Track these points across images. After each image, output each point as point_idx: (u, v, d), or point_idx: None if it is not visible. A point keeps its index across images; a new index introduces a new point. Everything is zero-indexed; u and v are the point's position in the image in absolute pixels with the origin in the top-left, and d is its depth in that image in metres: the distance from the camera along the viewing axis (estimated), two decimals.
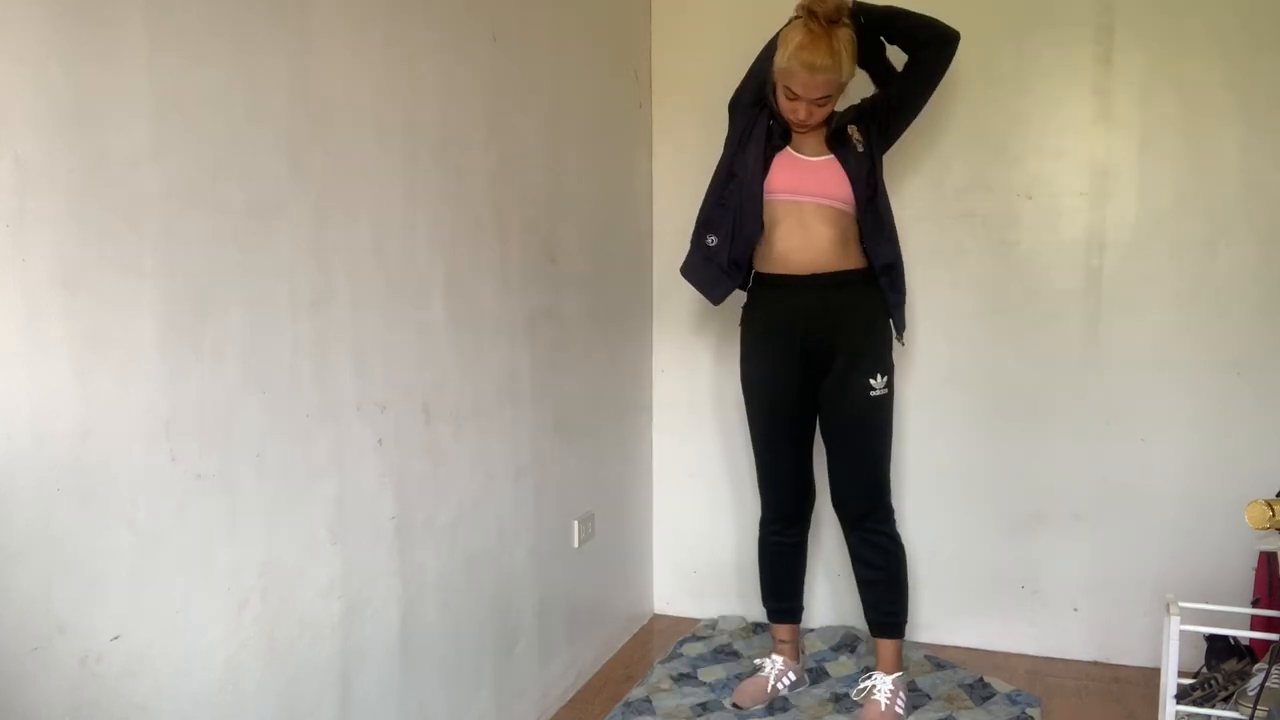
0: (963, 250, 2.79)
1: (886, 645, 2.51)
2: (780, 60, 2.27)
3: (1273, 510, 1.76)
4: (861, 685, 2.52)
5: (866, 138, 2.36)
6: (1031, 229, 2.75)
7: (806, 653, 2.79)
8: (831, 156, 2.35)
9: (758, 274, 2.47)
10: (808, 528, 2.63)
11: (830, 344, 2.39)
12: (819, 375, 2.43)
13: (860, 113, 2.40)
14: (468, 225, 2.08)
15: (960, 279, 2.80)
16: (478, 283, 2.12)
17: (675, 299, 3.05)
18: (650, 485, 3.16)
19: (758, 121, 2.38)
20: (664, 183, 3.05)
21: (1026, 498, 2.82)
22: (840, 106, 2.38)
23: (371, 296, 1.79)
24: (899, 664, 2.51)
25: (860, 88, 2.44)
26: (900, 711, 2.44)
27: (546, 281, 2.41)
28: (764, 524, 2.63)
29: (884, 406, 2.41)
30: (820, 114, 2.31)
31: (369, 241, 1.78)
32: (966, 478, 2.86)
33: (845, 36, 2.25)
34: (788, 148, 2.39)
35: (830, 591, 2.98)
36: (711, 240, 2.41)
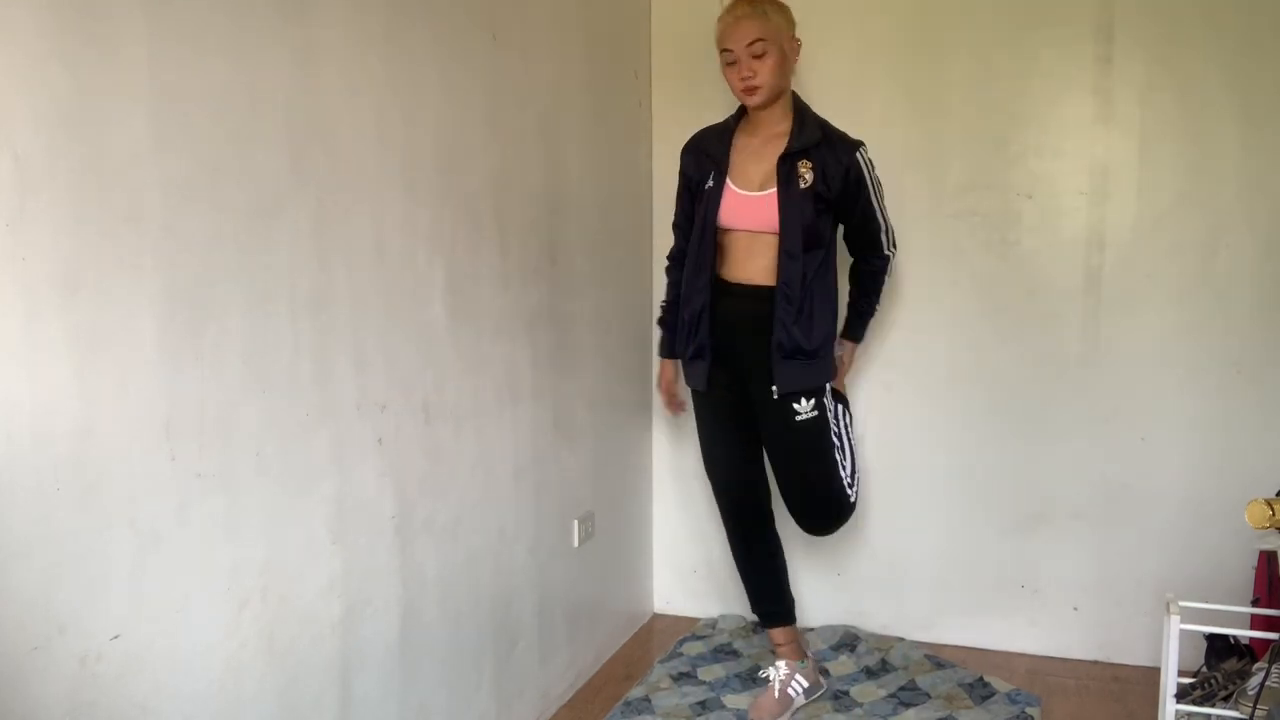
0: (962, 250, 2.79)
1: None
2: (716, 36, 2.32)
3: (1272, 509, 1.76)
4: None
5: (821, 179, 2.29)
6: (1031, 228, 2.75)
7: (814, 653, 2.75)
8: (773, 192, 2.31)
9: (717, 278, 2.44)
10: (767, 506, 2.56)
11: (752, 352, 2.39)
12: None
13: (826, 157, 2.30)
14: (468, 225, 2.08)
15: (960, 278, 2.80)
16: (478, 283, 2.12)
17: None
18: (650, 485, 3.16)
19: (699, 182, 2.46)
20: (664, 182, 3.05)
21: (1026, 497, 2.82)
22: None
23: (371, 296, 1.79)
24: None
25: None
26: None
27: (546, 281, 2.41)
28: (725, 521, 2.58)
29: (816, 429, 2.38)
30: (764, 71, 2.25)
31: (369, 241, 1.78)
32: (966, 478, 2.86)
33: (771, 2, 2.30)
34: (728, 181, 2.37)
35: (830, 591, 2.98)
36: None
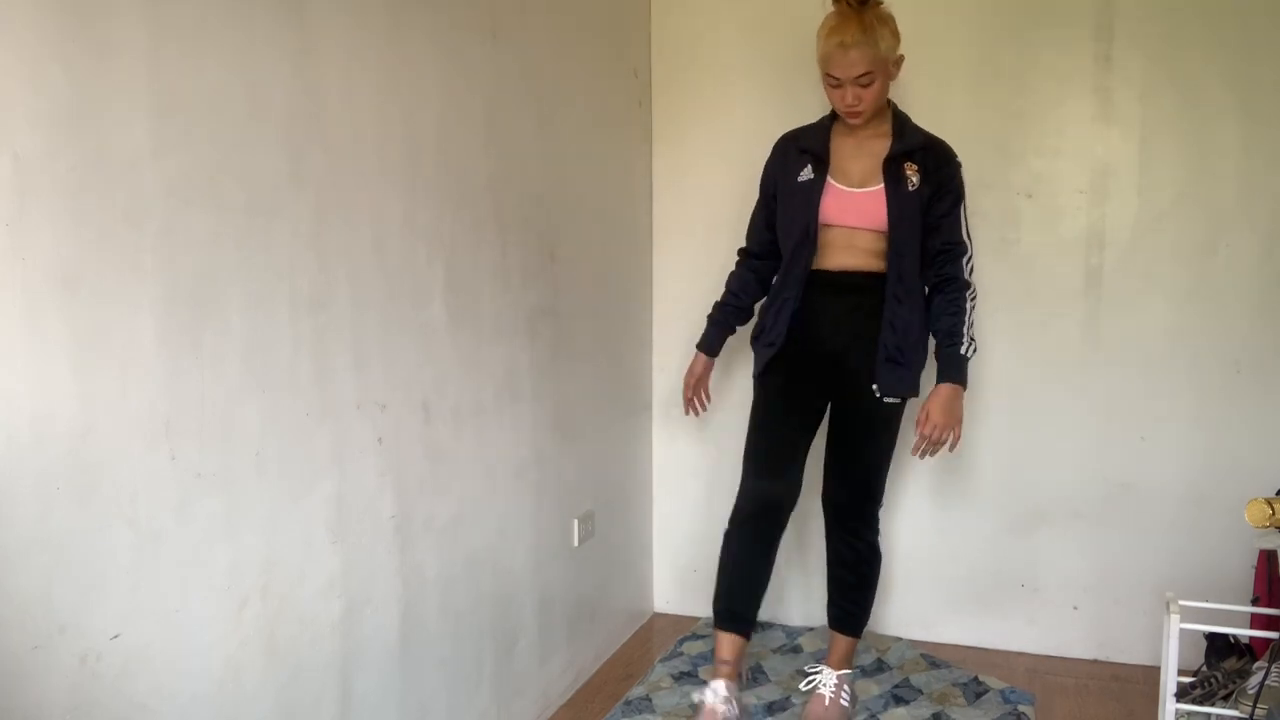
0: None
1: (841, 641, 2.47)
2: (818, 50, 2.24)
3: (1272, 508, 1.77)
4: (809, 677, 2.49)
5: (925, 182, 2.26)
6: (1031, 227, 2.75)
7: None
8: (878, 190, 2.27)
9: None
10: (784, 525, 2.44)
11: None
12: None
13: (927, 161, 2.28)
14: (468, 225, 2.08)
15: None
16: (478, 282, 2.12)
17: (675, 299, 3.04)
18: (650, 484, 3.16)
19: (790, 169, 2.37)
20: (664, 182, 3.05)
21: (1026, 496, 2.82)
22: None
23: (371, 296, 1.79)
24: (849, 662, 2.48)
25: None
26: (845, 704, 2.43)
27: (546, 281, 2.41)
28: (737, 513, 2.45)
29: (892, 416, 2.36)
30: (869, 97, 2.21)
31: (369, 241, 1.78)
32: (966, 477, 2.86)
33: (878, 14, 2.20)
34: (829, 178, 2.31)
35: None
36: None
